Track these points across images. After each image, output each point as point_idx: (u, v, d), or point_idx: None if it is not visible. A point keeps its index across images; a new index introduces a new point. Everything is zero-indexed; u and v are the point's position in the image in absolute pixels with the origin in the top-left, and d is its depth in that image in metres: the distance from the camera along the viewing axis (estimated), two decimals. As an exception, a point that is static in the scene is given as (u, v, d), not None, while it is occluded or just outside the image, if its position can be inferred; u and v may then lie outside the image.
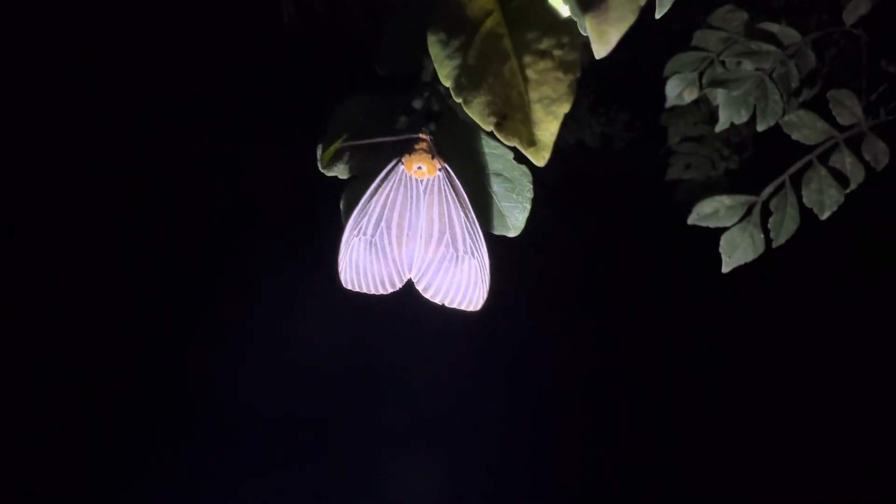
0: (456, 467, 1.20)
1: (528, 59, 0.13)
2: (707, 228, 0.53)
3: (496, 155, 0.19)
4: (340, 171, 0.20)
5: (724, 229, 0.51)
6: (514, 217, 0.19)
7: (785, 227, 0.49)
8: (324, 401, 1.23)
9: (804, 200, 0.49)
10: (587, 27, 0.14)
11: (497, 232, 0.20)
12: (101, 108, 1.24)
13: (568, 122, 1.35)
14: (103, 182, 1.30)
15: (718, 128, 0.56)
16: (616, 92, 1.25)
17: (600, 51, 0.13)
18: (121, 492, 1.14)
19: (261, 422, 1.21)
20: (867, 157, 0.49)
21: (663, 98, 0.71)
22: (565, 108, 0.14)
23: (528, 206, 0.19)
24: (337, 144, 0.18)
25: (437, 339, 1.26)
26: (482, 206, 0.19)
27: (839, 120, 0.49)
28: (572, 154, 1.37)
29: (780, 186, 0.50)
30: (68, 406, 1.19)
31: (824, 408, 1.07)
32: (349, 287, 0.22)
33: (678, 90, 0.65)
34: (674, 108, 0.95)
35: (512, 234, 0.20)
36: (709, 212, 0.52)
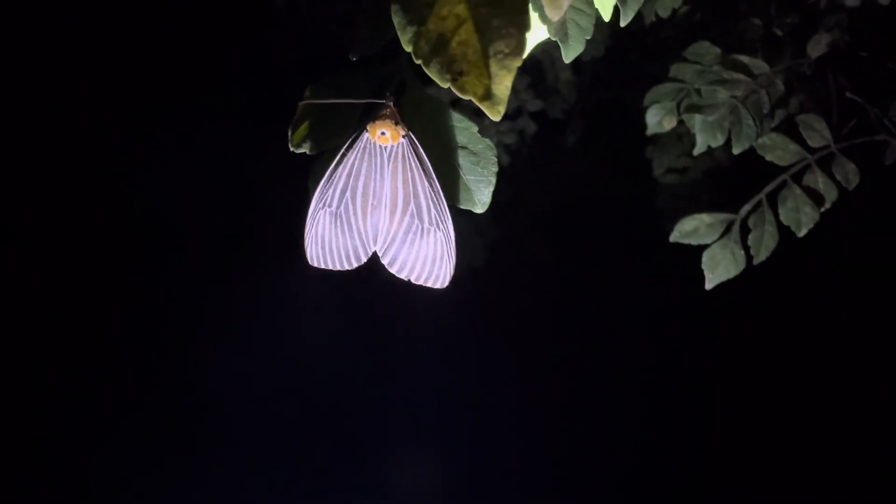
0: (455, 467, 1.19)
1: (482, 18, 0.14)
2: (694, 251, 0.54)
3: (461, 128, 0.19)
4: (308, 147, 0.20)
5: (706, 247, 0.52)
6: (479, 191, 0.20)
7: (765, 243, 0.50)
8: (324, 400, 1.22)
9: (781, 218, 0.50)
10: (539, -9, 0.15)
11: (463, 206, 0.20)
12: (93, 108, 1.27)
13: (558, 156, 1.39)
14: (102, 183, 1.32)
15: (696, 151, 0.58)
16: (603, 128, 1.30)
17: (553, 14, 0.14)
18: (121, 492, 1.11)
19: (261, 421, 1.19)
20: (838, 178, 0.50)
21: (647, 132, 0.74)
22: (518, 61, 0.14)
23: (494, 180, 0.19)
24: (302, 110, 0.18)
25: (438, 340, 1.27)
26: (448, 179, 0.20)
27: (810, 143, 0.51)
28: (563, 186, 1.41)
29: (758, 205, 0.51)
30: (70, 406, 1.16)
31: (814, 421, 1.07)
32: (314, 264, 0.22)
33: (658, 118, 0.67)
34: (658, 142, 0.98)
35: (479, 209, 0.21)
36: (689, 229, 0.53)
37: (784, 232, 0.51)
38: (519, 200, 1.37)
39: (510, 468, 1.22)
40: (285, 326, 1.29)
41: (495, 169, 0.20)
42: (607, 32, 1.01)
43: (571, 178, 1.39)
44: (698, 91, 0.61)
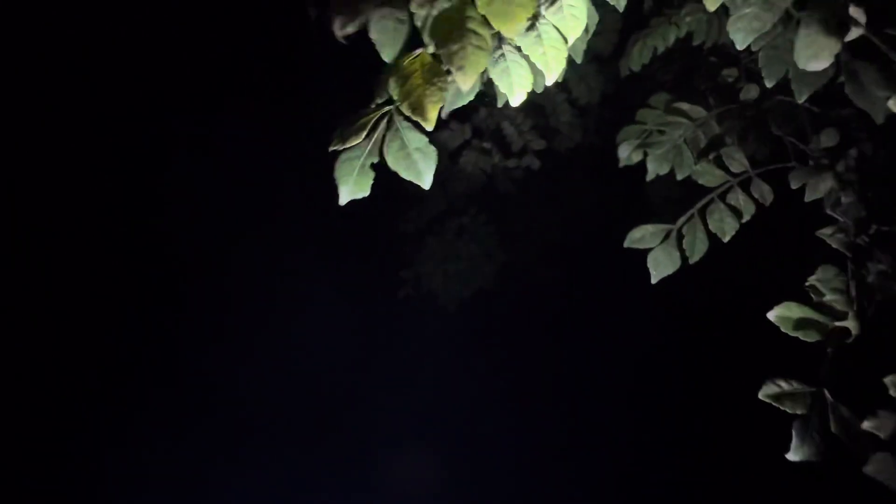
0: (459, 467, 1.25)
1: (425, 74, 0.30)
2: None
3: (417, 138, 0.35)
4: (337, 145, 0.37)
5: (650, 250, 0.65)
6: (426, 173, 0.35)
7: (697, 247, 0.62)
8: (329, 397, 1.32)
9: (710, 227, 0.63)
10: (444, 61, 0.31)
11: (415, 180, 0.36)
12: (129, 109, 1.48)
13: (563, 190, 1.51)
14: (129, 184, 1.50)
15: (648, 178, 0.72)
16: (604, 165, 1.43)
17: (463, 85, 0.30)
18: (126, 489, 1.21)
19: (269, 416, 1.29)
20: (756, 196, 0.62)
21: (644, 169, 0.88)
22: (439, 100, 0.30)
23: (433, 167, 0.35)
24: (336, 134, 0.35)
25: (448, 354, 1.37)
26: (407, 166, 0.36)
27: (732, 169, 0.64)
28: (567, 216, 1.54)
29: (691, 217, 0.64)
30: (82, 402, 1.29)
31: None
32: None
33: (627, 152, 0.81)
34: (655, 179, 1.12)
35: (425, 186, 0.36)
36: (638, 237, 0.66)
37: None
38: (527, 230, 1.51)
39: (514, 473, 1.28)
40: (293, 324, 1.39)
41: (434, 160, 0.35)
42: (603, 80, 1.17)
43: (575, 210, 1.52)
44: (660, 131, 0.76)
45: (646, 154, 0.79)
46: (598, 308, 1.49)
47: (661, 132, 0.71)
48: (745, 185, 0.64)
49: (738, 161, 0.63)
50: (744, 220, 0.62)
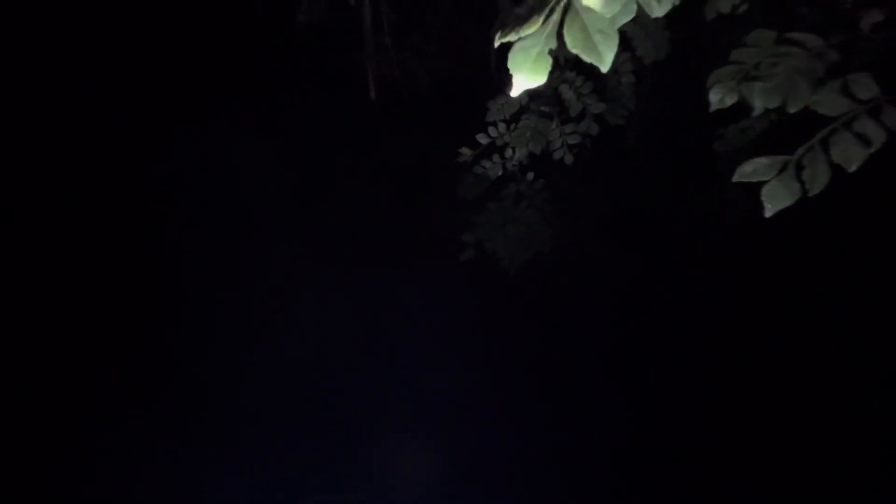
0: (458, 455, 1.26)
1: None
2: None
3: (598, 18, 0.34)
4: (503, 38, 0.36)
5: (764, 184, 0.61)
6: (606, 54, 0.33)
7: (818, 179, 0.59)
8: (331, 392, 1.33)
9: (833, 158, 0.59)
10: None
11: (594, 61, 0.34)
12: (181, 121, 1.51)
13: (620, 160, 1.47)
14: (132, 186, 1.54)
15: (755, 114, 0.68)
16: (662, 133, 1.39)
17: None
18: (127, 487, 1.22)
19: (270, 413, 1.30)
20: (887, 124, 0.58)
21: (706, 137, 0.82)
22: None
23: (614, 47, 0.33)
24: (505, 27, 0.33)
25: (446, 335, 1.37)
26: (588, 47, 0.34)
27: (859, 96, 0.60)
28: (624, 188, 1.50)
29: (811, 148, 0.60)
30: (81, 402, 1.31)
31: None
32: None
33: (720, 95, 0.77)
34: (723, 137, 1.07)
35: (603, 68, 0.34)
36: (749, 170, 0.62)
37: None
38: (583, 198, 1.47)
39: (553, 452, 1.27)
40: (295, 322, 1.40)
41: (616, 42, 0.33)
42: (667, 38, 1.12)
43: (632, 181, 1.48)
44: (756, 66, 0.71)
45: (741, 95, 0.75)
46: (648, 281, 1.45)
47: (772, 65, 0.67)
48: (875, 113, 0.60)
49: (866, 87, 0.59)
50: (873, 149, 0.58)
